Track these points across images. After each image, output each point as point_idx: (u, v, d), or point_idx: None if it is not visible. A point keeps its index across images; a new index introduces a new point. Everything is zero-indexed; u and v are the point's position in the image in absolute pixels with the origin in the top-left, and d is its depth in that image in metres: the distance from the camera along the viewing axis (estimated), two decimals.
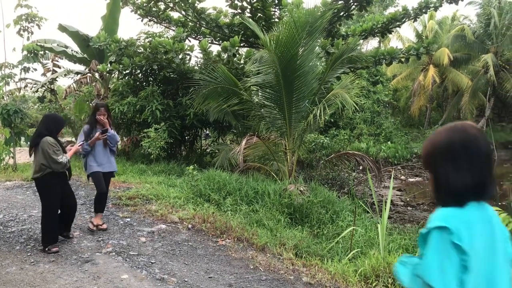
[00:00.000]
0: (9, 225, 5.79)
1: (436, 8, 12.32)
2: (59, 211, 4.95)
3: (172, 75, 11.49)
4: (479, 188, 1.48)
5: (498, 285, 1.45)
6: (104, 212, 5.88)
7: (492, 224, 1.49)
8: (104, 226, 5.57)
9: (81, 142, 5.25)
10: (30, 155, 4.93)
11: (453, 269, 1.39)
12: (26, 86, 14.30)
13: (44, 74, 14.46)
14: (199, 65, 11.84)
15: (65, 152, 4.85)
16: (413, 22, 24.15)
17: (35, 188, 7.97)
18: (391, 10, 25.91)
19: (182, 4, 11.58)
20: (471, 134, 1.51)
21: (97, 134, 5.29)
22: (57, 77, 14.28)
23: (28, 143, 11.81)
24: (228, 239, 5.46)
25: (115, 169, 5.79)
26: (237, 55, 10.52)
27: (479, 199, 1.49)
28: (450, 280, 1.38)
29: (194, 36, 12.62)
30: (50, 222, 4.81)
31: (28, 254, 4.76)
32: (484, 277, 1.43)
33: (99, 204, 5.50)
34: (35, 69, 12.10)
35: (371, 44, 30.70)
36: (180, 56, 10.28)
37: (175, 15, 12.45)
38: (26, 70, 11.56)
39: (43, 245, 4.81)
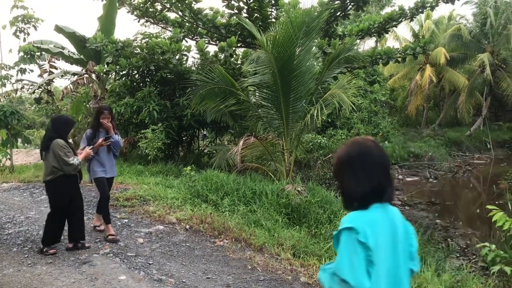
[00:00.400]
0: (6, 227, 5.77)
1: (432, 8, 12.36)
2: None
3: (169, 76, 11.47)
4: (378, 193, 1.71)
5: (400, 275, 1.67)
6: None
7: (394, 222, 1.72)
8: (102, 227, 5.58)
9: (90, 147, 5.18)
10: (42, 159, 4.91)
11: (360, 263, 1.59)
12: (22, 87, 14.23)
13: (40, 75, 14.39)
14: (196, 66, 11.83)
15: (75, 154, 4.83)
16: (410, 21, 24.13)
17: (32, 189, 8.04)
18: (387, 10, 25.97)
19: (179, 5, 11.56)
20: (365, 147, 1.76)
21: (100, 140, 5.18)
22: (53, 78, 14.21)
23: (25, 144, 11.83)
24: (226, 239, 5.47)
25: (115, 174, 5.80)
26: (234, 56, 10.51)
27: (380, 201, 1.71)
28: (359, 273, 1.58)
29: (191, 37, 12.60)
30: (53, 223, 4.82)
31: (26, 256, 4.75)
32: (387, 268, 1.63)
33: (99, 206, 5.50)
34: (32, 71, 12.08)
35: (368, 44, 30.71)
36: (177, 57, 10.25)
37: (172, 15, 12.45)
38: (23, 71, 11.53)
39: (42, 245, 4.81)
